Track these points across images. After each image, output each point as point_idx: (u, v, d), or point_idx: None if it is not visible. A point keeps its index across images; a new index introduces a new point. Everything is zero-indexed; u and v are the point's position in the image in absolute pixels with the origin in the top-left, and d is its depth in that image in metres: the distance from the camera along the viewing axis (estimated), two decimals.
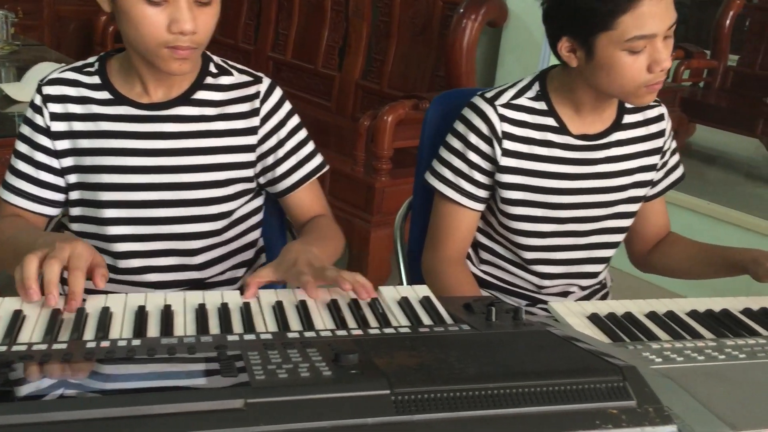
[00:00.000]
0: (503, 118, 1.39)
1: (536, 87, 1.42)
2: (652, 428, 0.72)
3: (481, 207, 1.46)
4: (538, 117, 1.41)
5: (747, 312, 1.19)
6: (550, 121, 1.41)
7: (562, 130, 1.41)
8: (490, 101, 1.40)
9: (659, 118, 1.48)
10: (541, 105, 1.41)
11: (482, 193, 1.44)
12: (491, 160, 1.41)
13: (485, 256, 1.53)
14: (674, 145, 1.52)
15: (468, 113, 1.43)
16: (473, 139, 1.41)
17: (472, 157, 1.41)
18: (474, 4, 3.18)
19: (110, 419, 0.65)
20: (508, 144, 1.40)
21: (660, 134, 1.48)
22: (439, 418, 0.70)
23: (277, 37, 4.36)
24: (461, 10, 3.18)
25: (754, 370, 0.93)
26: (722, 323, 1.14)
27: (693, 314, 1.17)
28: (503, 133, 1.39)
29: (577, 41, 1.30)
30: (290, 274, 1.07)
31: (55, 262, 0.97)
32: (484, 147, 1.41)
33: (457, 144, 1.43)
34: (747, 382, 0.89)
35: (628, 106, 1.45)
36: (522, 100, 1.41)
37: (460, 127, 1.43)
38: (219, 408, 0.67)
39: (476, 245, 1.54)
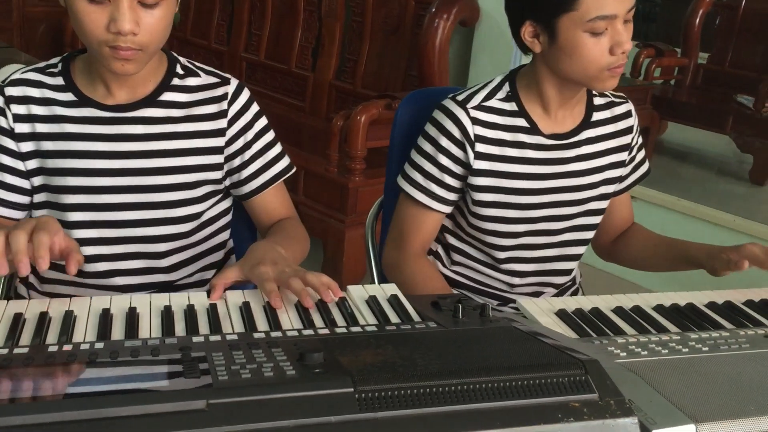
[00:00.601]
0: (475, 121, 1.39)
1: (506, 87, 1.43)
2: (613, 420, 0.73)
3: (449, 209, 1.46)
4: (509, 118, 1.41)
5: (712, 305, 1.21)
6: (521, 122, 1.41)
7: (533, 130, 1.41)
8: (462, 104, 1.40)
9: (627, 114, 1.50)
10: (511, 106, 1.42)
11: (452, 197, 1.44)
12: (463, 163, 1.41)
13: (456, 257, 1.54)
14: (640, 140, 1.54)
15: (439, 116, 1.42)
16: (444, 142, 1.41)
17: (443, 160, 1.41)
18: (446, 4, 3.20)
19: (71, 422, 0.64)
20: (480, 147, 1.40)
21: (628, 131, 1.49)
22: (402, 415, 0.70)
23: (250, 37, 4.35)
24: (433, 10, 3.20)
25: (716, 363, 0.94)
26: (687, 317, 1.16)
27: (659, 308, 1.18)
28: (476, 136, 1.39)
29: (540, 24, 1.31)
30: (254, 275, 1.07)
31: (20, 233, 0.95)
32: (455, 150, 1.40)
33: (428, 147, 1.43)
34: (709, 375, 0.90)
35: (596, 102, 1.47)
36: (493, 102, 1.41)
37: (431, 130, 1.43)
38: (181, 409, 0.67)
39: (447, 247, 1.55)
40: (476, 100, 1.41)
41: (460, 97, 1.42)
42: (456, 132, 1.39)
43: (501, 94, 1.42)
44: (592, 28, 1.26)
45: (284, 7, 4.11)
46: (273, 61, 4.16)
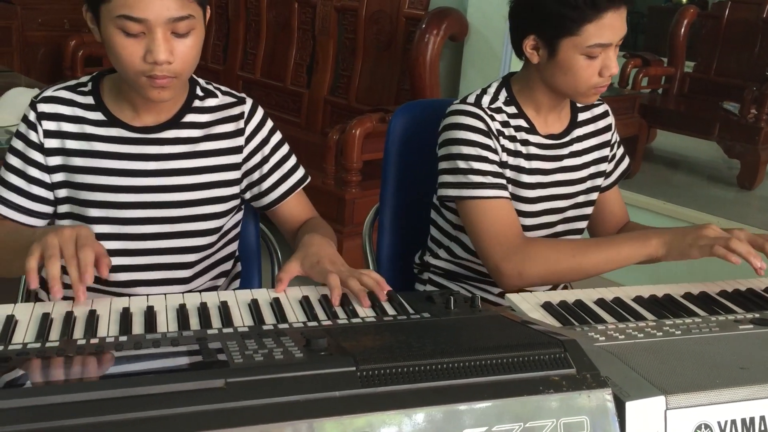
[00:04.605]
0: (492, 118, 1.49)
1: (504, 92, 1.53)
2: (589, 392, 0.81)
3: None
4: (512, 119, 1.51)
5: (687, 296, 1.30)
6: (522, 122, 1.51)
7: (532, 130, 1.52)
8: (476, 105, 1.49)
9: (605, 114, 1.63)
10: (512, 109, 1.52)
11: (506, 182, 1.49)
12: (498, 153, 1.48)
13: (464, 252, 1.59)
14: (618, 137, 1.66)
15: (460, 119, 1.48)
16: (478, 137, 1.46)
17: (485, 153, 1.46)
18: (435, 20, 3.30)
19: (108, 400, 0.72)
20: (502, 141, 1.49)
21: (608, 128, 1.63)
22: (399, 390, 0.78)
23: (246, 56, 4.45)
24: (423, 26, 3.30)
25: (687, 344, 1.02)
26: (664, 306, 1.24)
27: (638, 299, 1.27)
28: (497, 131, 1.49)
29: (542, 41, 1.42)
30: (315, 271, 1.18)
31: (72, 260, 1.06)
32: (490, 142, 1.47)
33: (466, 149, 1.46)
34: (680, 354, 0.98)
35: (579, 105, 1.59)
36: (498, 104, 1.51)
37: (458, 134, 1.47)
38: (202, 387, 0.75)
39: (457, 240, 1.60)
40: (486, 102, 1.50)
41: (470, 100, 1.51)
42: (483, 126, 1.47)
43: (502, 98, 1.52)
44: (589, 52, 1.39)
45: (279, 26, 4.21)
46: (269, 78, 4.26)
